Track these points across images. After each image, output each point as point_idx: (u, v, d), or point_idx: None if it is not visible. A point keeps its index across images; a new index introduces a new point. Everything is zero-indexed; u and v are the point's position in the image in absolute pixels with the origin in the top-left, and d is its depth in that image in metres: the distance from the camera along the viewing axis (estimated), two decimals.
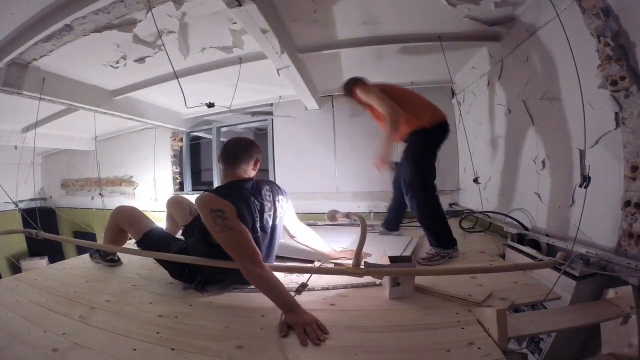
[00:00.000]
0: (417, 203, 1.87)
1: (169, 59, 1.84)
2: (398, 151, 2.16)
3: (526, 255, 1.66)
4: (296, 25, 2.15)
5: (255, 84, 3.22)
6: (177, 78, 1.99)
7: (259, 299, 1.27)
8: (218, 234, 1.30)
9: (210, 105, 2.29)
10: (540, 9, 1.75)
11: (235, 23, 2.06)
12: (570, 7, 1.48)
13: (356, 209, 3.47)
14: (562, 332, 1.25)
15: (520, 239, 1.87)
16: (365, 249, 1.38)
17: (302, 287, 1.25)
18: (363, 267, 1.35)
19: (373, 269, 1.34)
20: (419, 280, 1.44)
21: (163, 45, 1.95)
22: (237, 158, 1.52)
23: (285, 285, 1.27)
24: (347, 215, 1.67)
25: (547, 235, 1.75)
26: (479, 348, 0.96)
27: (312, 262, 1.81)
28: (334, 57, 2.68)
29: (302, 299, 1.22)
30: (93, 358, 1.00)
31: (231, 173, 1.53)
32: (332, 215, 1.71)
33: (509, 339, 0.98)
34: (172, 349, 1.03)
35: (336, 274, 1.51)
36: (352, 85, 2.19)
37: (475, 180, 2.60)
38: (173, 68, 1.89)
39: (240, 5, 1.58)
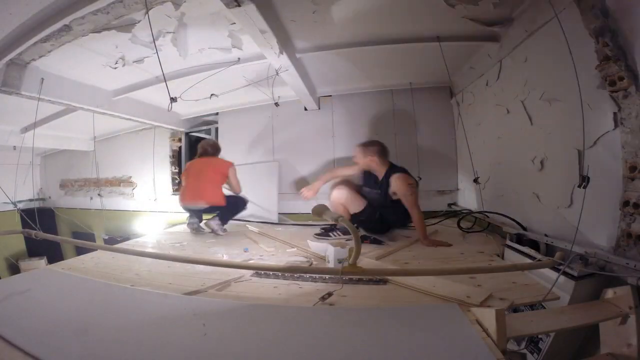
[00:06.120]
0: None
1: (160, 61, 1.84)
2: None
3: (525, 255, 1.66)
4: (295, 26, 2.15)
5: (254, 84, 3.22)
6: (165, 81, 1.99)
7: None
8: (410, 196, 2.29)
9: (173, 99, 2.14)
10: (539, 9, 1.76)
11: (234, 24, 2.06)
12: (569, 8, 1.48)
13: None
14: (561, 332, 1.25)
15: (519, 239, 1.87)
16: None
17: (328, 295, 1.33)
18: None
19: (371, 269, 1.34)
20: (419, 280, 1.44)
21: (156, 51, 1.94)
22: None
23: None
24: (337, 220, 1.36)
25: (545, 235, 1.75)
26: (478, 348, 0.96)
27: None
28: (333, 57, 2.69)
29: (300, 299, 1.22)
30: None
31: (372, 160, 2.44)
32: (320, 212, 1.45)
33: (507, 339, 0.98)
34: None
35: (331, 274, 1.52)
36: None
37: (475, 181, 2.60)
38: (162, 71, 1.89)
39: (239, 5, 1.57)
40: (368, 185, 2.54)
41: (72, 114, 3.31)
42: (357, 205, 2.44)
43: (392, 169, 2.42)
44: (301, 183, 3.71)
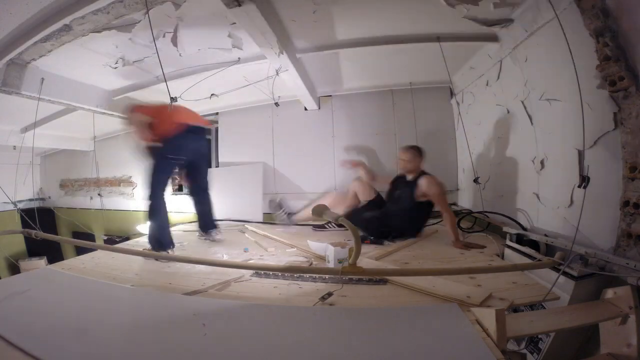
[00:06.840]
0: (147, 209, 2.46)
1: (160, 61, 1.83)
2: None
3: (525, 255, 1.66)
4: (295, 26, 2.15)
5: (254, 84, 3.23)
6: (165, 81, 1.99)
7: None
8: (441, 196, 2.36)
9: (173, 99, 2.23)
10: (539, 9, 1.76)
11: (234, 24, 2.06)
12: (569, 8, 1.48)
13: None
14: (560, 332, 1.25)
15: (519, 239, 1.86)
16: None
17: (328, 295, 1.33)
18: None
19: (371, 269, 1.34)
20: (419, 280, 1.44)
21: (156, 51, 1.93)
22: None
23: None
24: (337, 219, 1.36)
25: (545, 235, 1.75)
26: (478, 348, 0.96)
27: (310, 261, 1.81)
28: (333, 57, 2.68)
29: (297, 299, 1.22)
30: None
31: (421, 165, 2.56)
32: (320, 212, 1.43)
33: (507, 339, 0.98)
34: None
35: (331, 274, 1.52)
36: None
37: (476, 181, 2.60)
38: (163, 71, 1.89)
39: (239, 5, 1.57)
40: (398, 187, 2.65)
41: (72, 113, 3.30)
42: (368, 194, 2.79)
43: (424, 172, 2.52)
44: (299, 181, 3.73)
